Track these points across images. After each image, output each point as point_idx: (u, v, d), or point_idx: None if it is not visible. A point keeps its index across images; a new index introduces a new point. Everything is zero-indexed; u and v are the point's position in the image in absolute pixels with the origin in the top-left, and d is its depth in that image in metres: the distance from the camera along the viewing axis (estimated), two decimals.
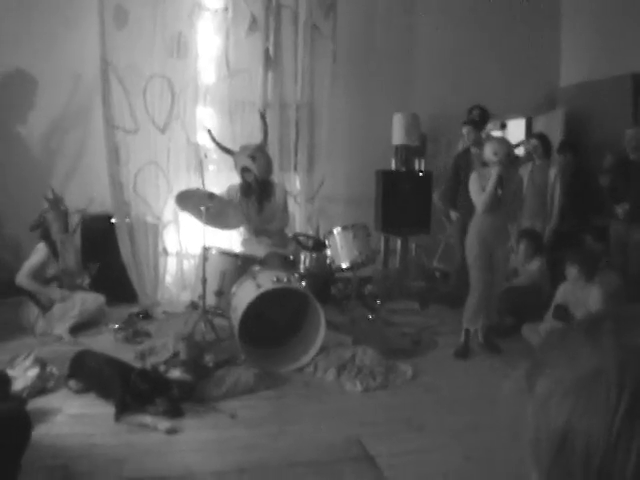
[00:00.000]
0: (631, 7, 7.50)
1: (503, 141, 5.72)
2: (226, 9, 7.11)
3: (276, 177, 6.83)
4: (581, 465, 0.61)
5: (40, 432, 3.73)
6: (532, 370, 0.70)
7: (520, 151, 7.25)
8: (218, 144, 6.51)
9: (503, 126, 5.38)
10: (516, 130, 8.87)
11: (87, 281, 6.18)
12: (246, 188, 6.22)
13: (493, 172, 5.29)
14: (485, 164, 5.55)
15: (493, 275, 5.54)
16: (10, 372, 4.33)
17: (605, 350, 0.64)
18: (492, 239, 5.43)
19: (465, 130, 7.23)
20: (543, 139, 7.12)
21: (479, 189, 5.39)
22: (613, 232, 6.52)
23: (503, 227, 5.54)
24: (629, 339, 0.64)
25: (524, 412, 0.69)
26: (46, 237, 5.99)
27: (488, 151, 5.41)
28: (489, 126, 7.75)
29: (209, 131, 6.60)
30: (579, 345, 0.67)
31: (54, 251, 5.99)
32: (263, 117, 6.79)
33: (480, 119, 7.47)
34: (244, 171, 6.13)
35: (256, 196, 6.20)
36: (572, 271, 5.54)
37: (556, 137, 7.75)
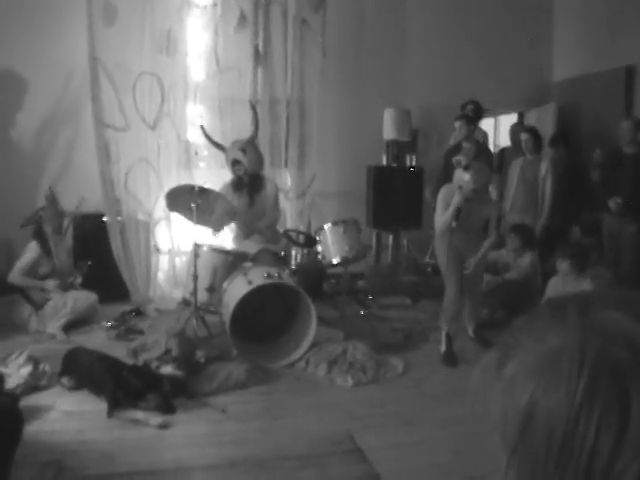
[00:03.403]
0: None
1: (478, 173, 5.30)
2: (215, 5, 7.11)
3: (267, 173, 6.83)
4: (544, 441, 0.62)
5: (33, 428, 3.76)
6: (501, 355, 0.71)
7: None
8: (211, 140, 6.51)
9: (466, 168, 5.04)
10: (508, 124, 8.91)
11: (79, 280, 6.17)
12: (237, 182, 6.22)
13: (453, 201, 5.20)
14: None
15: (468, 279, 5.50)
16: (3, 370, 4.35)
17: (568, 329, 0.65)
18: (465, 251, 5.41)
19: (457, 124, 7.24)
20: (534, 133, 7.07)
21: (443, 208, 5.32)
22: (605, 226, 6.49)
23: (475, 240, 5.45)
24: (592, 318, 0.65)
25: (492, 397, 0.70)
26: (38, 235, 5.98)
27: (456, 178, 5.34)
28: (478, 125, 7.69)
29: (202, 127, 6.60)
30: (545, 327, 0.68)
31: (46, 250, 5.98)
32: (254, 108, 6.79)
33: (474, 114, 7.48)
34: (235, 164, 6.13)
35: (247, 190, 6.20)
36: (563, 265, 5.53)
37: (548, 131, 7.75)
